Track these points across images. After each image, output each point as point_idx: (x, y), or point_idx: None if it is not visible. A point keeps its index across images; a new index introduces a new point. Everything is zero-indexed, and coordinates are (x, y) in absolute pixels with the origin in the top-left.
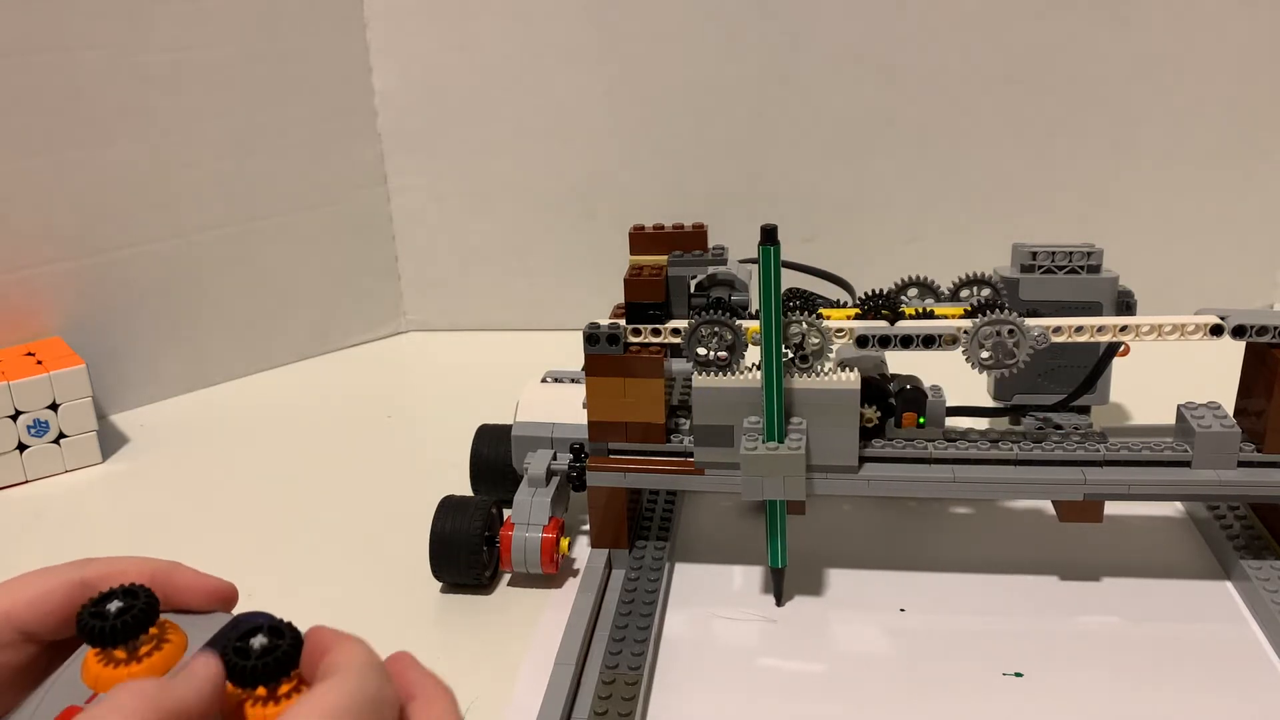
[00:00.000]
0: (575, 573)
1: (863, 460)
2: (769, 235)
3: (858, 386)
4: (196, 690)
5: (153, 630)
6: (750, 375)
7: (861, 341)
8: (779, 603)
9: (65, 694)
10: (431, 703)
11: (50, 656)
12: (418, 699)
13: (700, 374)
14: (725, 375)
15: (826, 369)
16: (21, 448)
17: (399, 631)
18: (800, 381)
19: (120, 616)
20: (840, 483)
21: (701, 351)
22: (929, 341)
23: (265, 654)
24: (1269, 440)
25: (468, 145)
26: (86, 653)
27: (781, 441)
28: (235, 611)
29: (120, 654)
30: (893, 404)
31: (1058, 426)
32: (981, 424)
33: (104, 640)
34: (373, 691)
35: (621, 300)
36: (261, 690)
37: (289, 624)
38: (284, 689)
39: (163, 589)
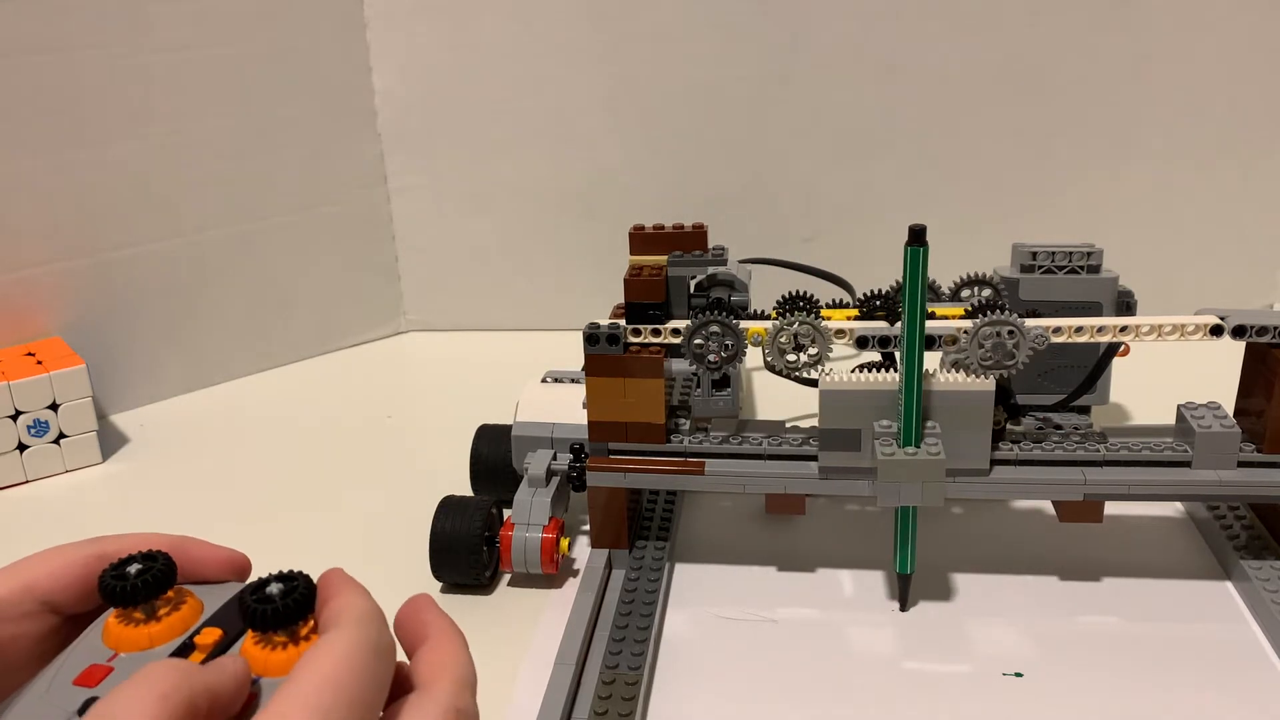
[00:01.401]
0: (575, 573)
1: (993, 463)
2: (917, 236)
3: (993, 388)
4: (227, 679)
5: (170, 594)
6: (879, 377)
7: (861, 342)
8: (904, 608)
9: (86, 655)
10: (442, 644)
11: (70, 629)
12: (430, 639)
13: (827, 376)
14: (854, 378)
15: (827, 369)
16: (21, 448)
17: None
18: (935, 384)
19: (140, 577)
20: (970, 486)
21: (709, 358)
22: (929, 342)
23: (285, 596)
24: (1269, 440)
25: (468, 145)
26: (108, 617)
27: (918, 446)
28: (248, 581)
29: (139, 615)
30: (1016, 404)
31: (1058, 426)
32: None
33: (124, 600)
34: (371, 640)
35: (621, 300)
36: (281, 636)
37: (298, 571)
38: (304, 630)
39: (178, 560)
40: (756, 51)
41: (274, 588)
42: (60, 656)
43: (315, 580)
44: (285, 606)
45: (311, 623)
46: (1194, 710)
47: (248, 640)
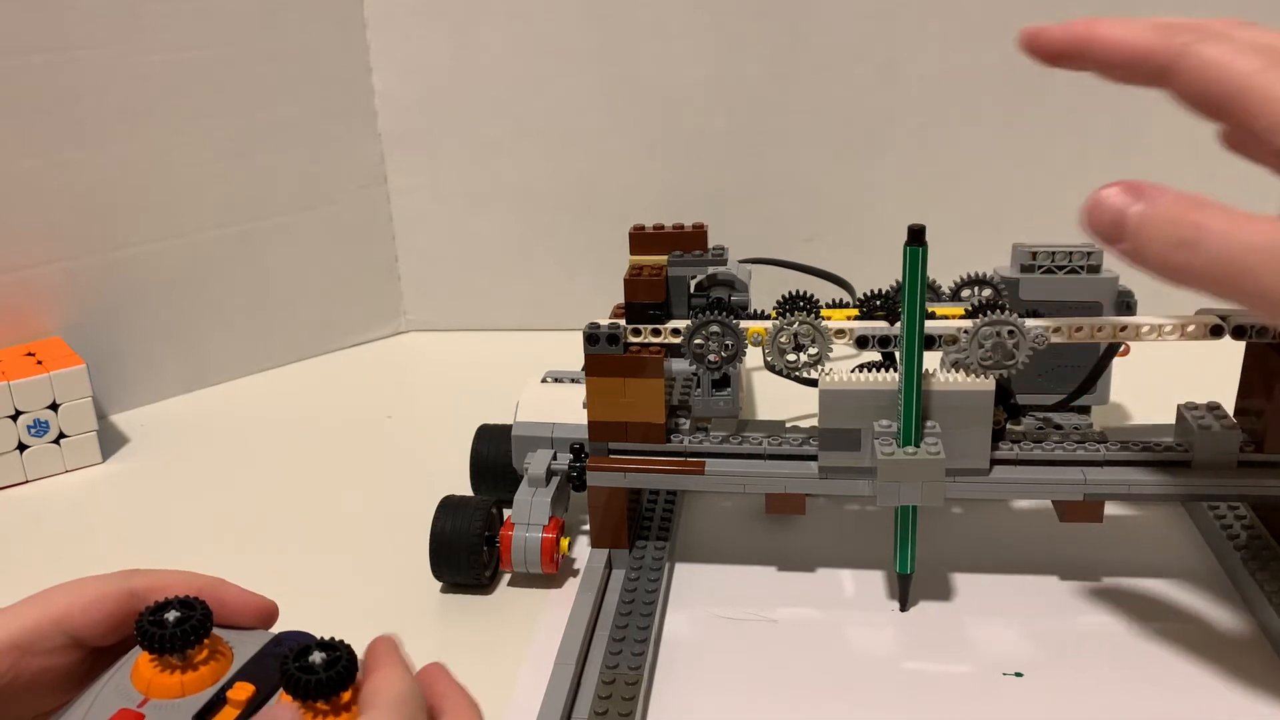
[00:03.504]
0: (575, 573)
1: (993, 463)
2: (917, 236)
3: (993, 387)
4: None
5: (206, 641)
6: (879, 377)
7: (861, 342)
8: (904, 608)
9: (116, 697)
10: (458, 717)
11: (91, 663)
12: (446, 713)
13: (827, 376)
14: (854, 378)
15: (827, 369)
16: (21, 448)
17: (399, 631)
18: (935, 384)
19: (179, 625)
20: (970, 486)
21: (709, 358)
22: (929, 342)
23: (328, 667)
24: (1269, 440)
25: (468, 145)
26: (136, 658)
27: (918, 446)
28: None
29: (175, 661)
30: (1017, 404)
31: (1058, 426)
32: None
33: (161, 647)
34: None
35: (621, 300)
36: (323, 705)
37: (340, 640)
38: (345, 698)
39: (210, 605)
40: (756, 51)
41: (317, 656)
42: (88, 693)
43: (359, 649)
44: (329, 679)
45: (352, 691)
46: (1194, 710)
47: (286, 699)
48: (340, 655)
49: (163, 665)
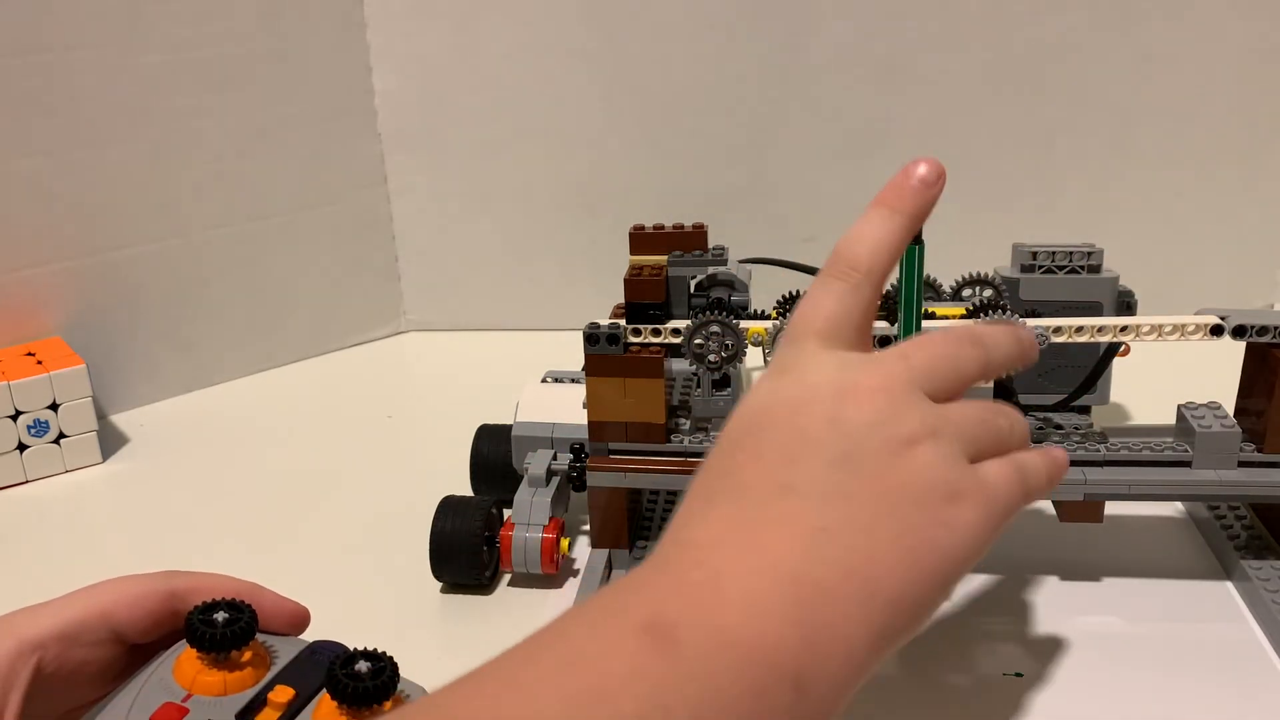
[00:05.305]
0: (575, 573)
1: None
2: (915, 235)
3: (991, 387)
4: None
5: (250, 643)
6: None
7: None
8: None
9: (160, 692)
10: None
11: (128, 659)
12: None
13: None
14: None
15: None
16: (21, 448)
17: (399, 631)
18: None
19: (229, 626)
20: None
21: (709, 358)
22: None
23: (374, 676)
24: (1269, 440)
25: (468, 145)
26: (179, 654)
27: None
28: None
29: (219, 660)
30: (1018, 403)
31: (1058, 426)
32: None
33: (210, 645)
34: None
35: (621, 300)
36: (365, 713)
37: (384, 652)
38: (388, 706)
39: None
40: (756, 51)
41: (363, 665)
42: (130, 686)
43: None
44: (375, 687)
45: (389, 705)
46: (1194, 710)
47: (326, 704)
48: (385, 666)
49: (207, 663)
